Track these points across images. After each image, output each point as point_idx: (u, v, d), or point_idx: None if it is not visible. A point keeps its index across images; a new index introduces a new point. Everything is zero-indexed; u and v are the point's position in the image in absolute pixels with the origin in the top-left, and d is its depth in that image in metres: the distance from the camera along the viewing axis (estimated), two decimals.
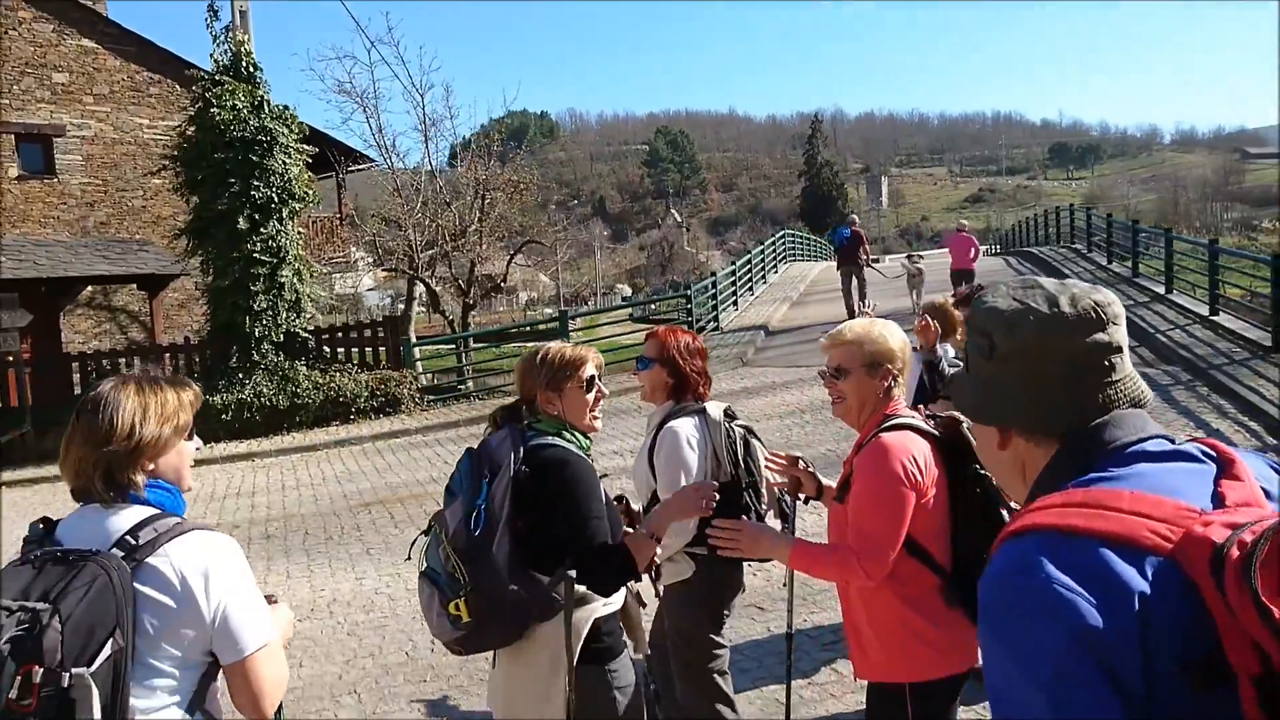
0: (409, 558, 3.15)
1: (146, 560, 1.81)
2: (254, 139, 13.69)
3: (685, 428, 3.45)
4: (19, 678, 1.63)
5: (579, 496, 2.59)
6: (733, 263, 23.38)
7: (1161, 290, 16.28)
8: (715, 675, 3.58)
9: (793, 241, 31.63)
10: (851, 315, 17.68)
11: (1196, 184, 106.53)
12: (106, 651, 1.71)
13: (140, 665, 1.78)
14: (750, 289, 22.73)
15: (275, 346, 14.16)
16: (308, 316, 14.74)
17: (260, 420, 13.52)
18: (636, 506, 3.23)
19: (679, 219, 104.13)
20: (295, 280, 14.26)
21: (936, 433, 2.64)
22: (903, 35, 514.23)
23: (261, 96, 14.01)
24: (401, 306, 46.31)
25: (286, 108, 14.25)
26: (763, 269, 25.02)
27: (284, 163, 13.98)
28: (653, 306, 29.24)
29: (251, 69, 14.22)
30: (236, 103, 13.65)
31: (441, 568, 2.53)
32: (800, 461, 3.10)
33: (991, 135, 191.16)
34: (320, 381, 13.91)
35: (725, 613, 3.60)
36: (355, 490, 10.36)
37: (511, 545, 2.49)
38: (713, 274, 20.53)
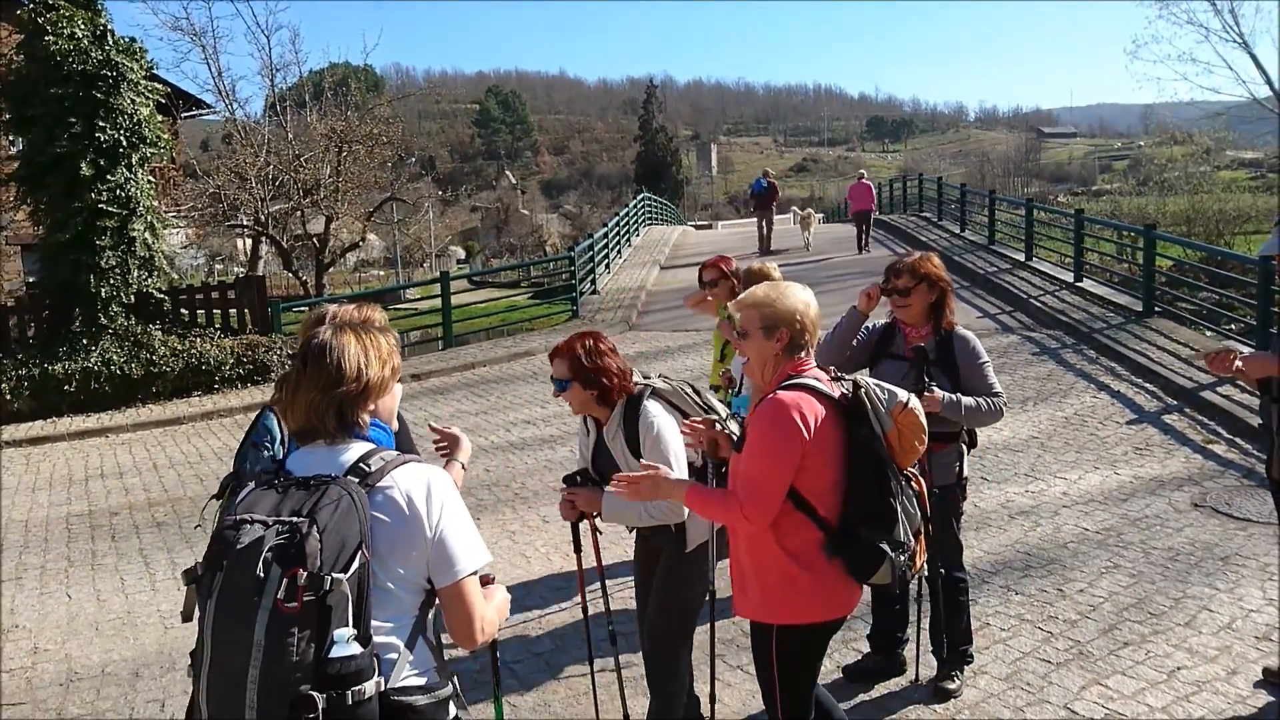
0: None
1: (377, 485, 1.93)
2: (97, 73, 12.02)
3: (658, 410, 3.45)
4: (285, 580, 1.73)
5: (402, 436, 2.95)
6: (581, 232, 23.27)
7: (1021, 258, 17.05)
8: (691, 644, 3.66)
9: (650, 205, 31.46)
10: (764, 249, 22.59)
11: (1000, 160, 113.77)
12: (357, 562, 1.82)
13: (373, 585, 1.88)
14: (619, 252, 22.41)
15: (126, 309, 12.63)
16: (162, 275, 13.25)
17: (110, 391, 12.04)
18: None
19: (514, 180, 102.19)
20: (148, 235, 12.73)
21: (835, 395, 2.81)
22: (729, 2, 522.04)
23: (104, 26, 12.32)
24: (220, 267, 43.21)
25: (134, 40, 12.61)
26: (628, 231, 24.74)
27: (133, 102, 12.36)
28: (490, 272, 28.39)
29: None
30: (76, 31, 11.95)
31: None
32: (716, 424, 3.26)
33: (813, 107, 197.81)
34: (179, 348, 12.52)
35: None
36: None
37: None
38: (589, 235, 20.06)
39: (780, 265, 5.38)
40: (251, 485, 1.94)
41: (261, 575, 1.73)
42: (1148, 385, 9.68)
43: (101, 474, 9.59)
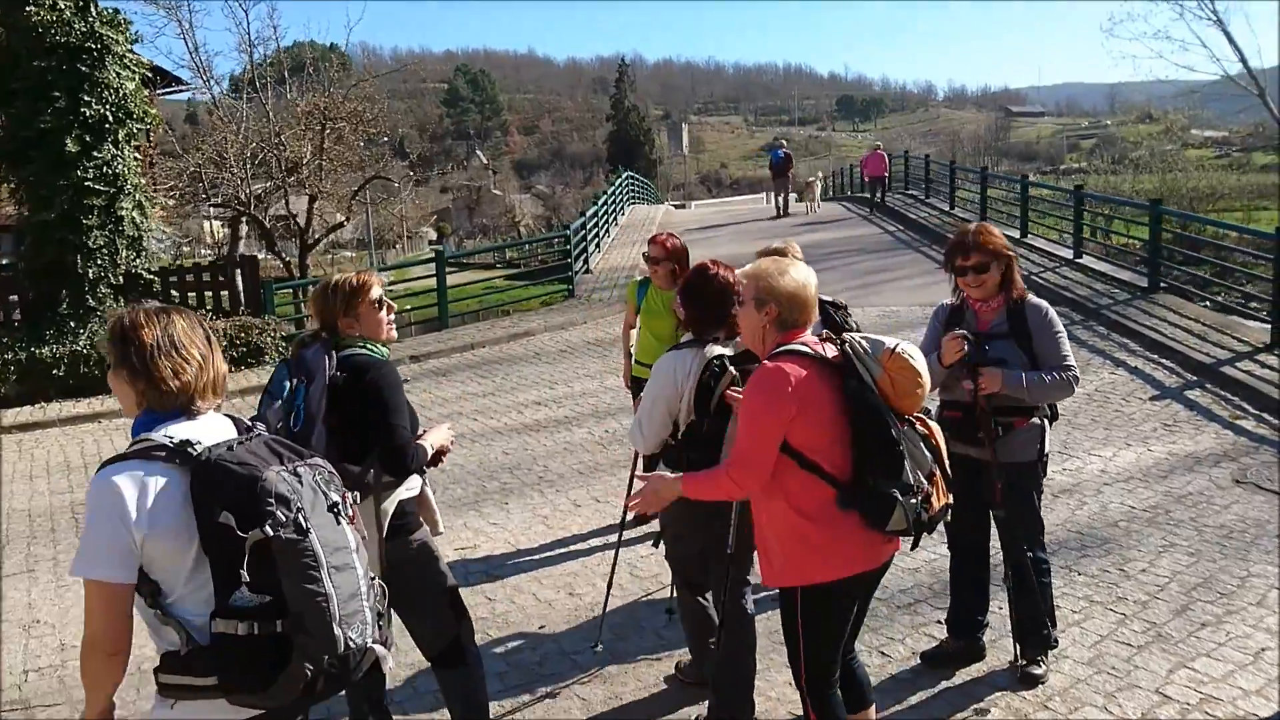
0: None
1: None
2: (81, 46, 11.53)
3: (675, 360, 3.58)
4: (344, 501, 2.22)
5: (386, 393, 3.10)
6: (555, 213, 22.94)
7: (1016, 234, 17.01)
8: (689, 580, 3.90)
9: (632, 184, 31.15)
10: (779, 213, 25.82)
11: (970, 139, 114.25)
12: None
13: None
14: (607, 231, 22.15)
15: (114, 290, 12.22)
16: (150, 255, 12.83)
17: (100, 375, 11.63)
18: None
19: (485, 161, 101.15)
20: (136, 213, 12.31)
21: (823, 355, 2.88)
22: None
23: None
24: (187, 249, 42.24)
25: (118, 12, 12.13)
26: (614, 210, 24.46)
27: (118, 75, 11.89)
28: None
29: None
30: (59, 2, 11.48)
31: None
32: None
33: (783, 86, 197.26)
34: None
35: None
36: None
37: (327, 439, 2.99)
38: (581, 214, 19.78)
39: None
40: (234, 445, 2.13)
41: (337, 499, 2.18)
42: (1164, 361, 9.65)
43: (99, 460, 9.23)
